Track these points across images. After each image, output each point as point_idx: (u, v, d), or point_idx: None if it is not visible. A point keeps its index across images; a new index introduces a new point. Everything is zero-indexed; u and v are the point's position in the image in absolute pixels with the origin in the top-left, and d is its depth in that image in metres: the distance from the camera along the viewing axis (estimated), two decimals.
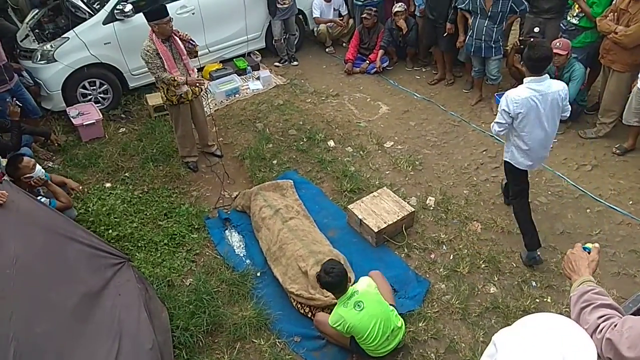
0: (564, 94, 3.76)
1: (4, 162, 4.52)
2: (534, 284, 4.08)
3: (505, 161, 4.09)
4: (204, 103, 5.40)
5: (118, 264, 3.86)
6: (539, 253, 4.20)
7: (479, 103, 6.27)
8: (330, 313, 3.78)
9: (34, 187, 4.32)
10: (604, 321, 1.66)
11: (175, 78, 4.75)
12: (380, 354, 3.44)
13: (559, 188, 4.96)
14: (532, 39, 5.69)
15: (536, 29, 5.63)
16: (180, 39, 4.85)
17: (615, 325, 1.62)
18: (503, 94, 4.72)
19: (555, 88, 3.73)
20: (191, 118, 5.23)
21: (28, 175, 4.26)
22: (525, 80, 3.74)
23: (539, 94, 3.66)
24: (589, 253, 2.04)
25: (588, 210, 4.71)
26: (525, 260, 4.23)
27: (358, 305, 3.29)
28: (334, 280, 3.30)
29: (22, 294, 3.04)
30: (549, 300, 3.96)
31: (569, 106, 3.93)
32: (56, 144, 5.58)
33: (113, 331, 3.31)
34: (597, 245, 2.08)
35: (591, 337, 1.66)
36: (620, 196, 4.82)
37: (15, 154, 4.61)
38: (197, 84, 4.94)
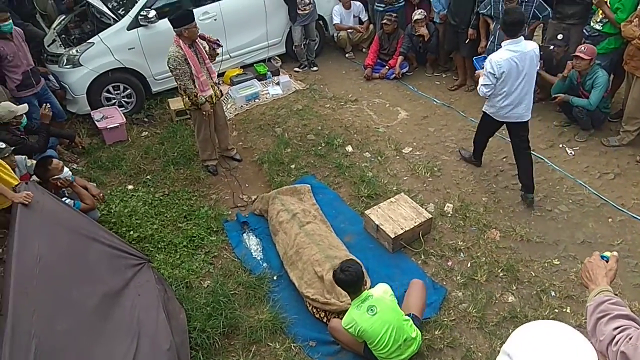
0: (537, 52, 4.36)
1: (30, 162, 4.66)
2: (553, 293, 4.02)
3: (485, 112, 4.73)
4: (224, 107, 5.47)
5: (138, 264, 3.94)
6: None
7: None
8: None
9: (60, 187, 4.43)
10: (619, 332, 1.63)
11: (197, 95, 4.85)
12: None
13: (580, 197, 4.88)
14: (551, 47, 5.66)
15: (560, 36, 5.56)
16: (207, 40, 4.95)
17: (630, 338, 1.58)
18: (481, 58, 5.33)
19: (530, 47, 4.29)
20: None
21: (56, 176, 4.38)
22: (503, 44, 4.31)
23: (517, 54, 4.23)
24: (607, 262, 2.01)
25: (610, 220, 4.62)
26: (467, 157, 5.33)
27: (371, 309, 3.28)
28: (347, 279, 3.29)
29: (45, 292, 3.12)
30: (568, 310, 3.90)
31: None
32: (80, 147, 5.72)
33: (132, 331, 3.38)
34: (615, 253, 2.04)
35: (606, 349, 1.64)
36: None
37: (45, 155, 4.73)
38: (207, 112, 5.03)
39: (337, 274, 3.33)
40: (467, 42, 6.23)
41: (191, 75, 4.81)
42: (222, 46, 5.14)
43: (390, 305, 3.36)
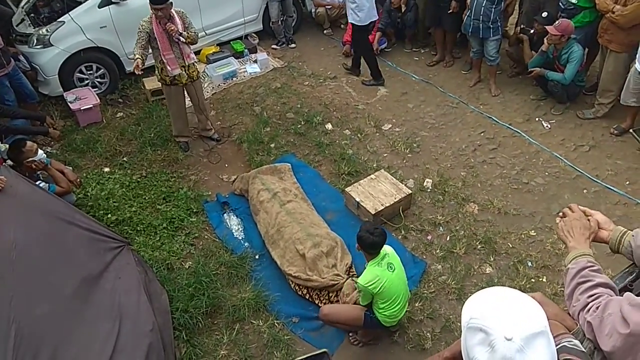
0: None
1: (4, 147, 4.54)
2: (529, 264, 4.12)
3: (352, 24, 6.01)
4: (203, 87, 5.39)
5: (117, 247, 3.90)
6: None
7: (477, 84, 6.24)
8: (324, 297, 3.84)
9: (35, 170, 4.35)
10: (592, 300, 1.63)
11: (138, 64, 4.62)
12: (395, 321, 3.47)
13: (556, 169, 4.97)
14: (532, 31, 5.69)
15: (544, 14, 5.54)
16: (172, 29, 4.66)
17: (597, 308, 1.58)
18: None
19: None
20: (185, 101, 5.27)
21: (31, 159, 4.29)
22: None
23: None
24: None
25: (585, 191, 4.73)
26: (349, 68, 6.57)
27: (390, 267, 3.31)
28: (380, 239, 3.26)
29: (22, 277, 3.09)
30: (544, 279, 4.00)
31: None
32: (52, 128, 5.50)
33: (113, 313, 3.37)
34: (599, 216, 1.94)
35: (578, 314, 1.66)
36: (617, 176, 4.83)
37: (18, 138, 4.63)
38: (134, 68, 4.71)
39: (369, 238, 3.23)
40: (450, 12, 6.09)
41: (142, 47, 4.72)
42: (184, 40, 4.82)
43: (400, 263, 3.43)
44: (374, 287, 3.25)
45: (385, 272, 3.28)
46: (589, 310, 1.63)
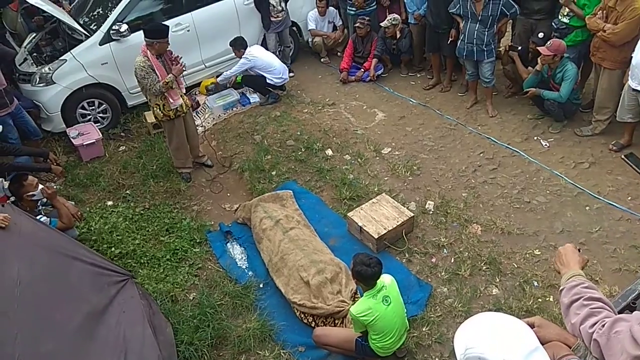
0: None
1: (6, 184, 4.58)
2: (535, 283, 4.09)
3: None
4: (195, 116, 5.64)
5: (121, 281, 3.89)
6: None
7: (474, 106, 6.30)
8: (330, 324, 3.81)
9: (34, 205, 4.37)
10: (592, 316, 1.64)
11: (167, 80, 4.84)
12: (389, 352, 3.43)
13: (557, 187, 4.97)
14: (518, 47, 5.78)
15: (540, 35, 5.62)
16: (169, 59, 4.97)
17: (603, 326, 1.59)
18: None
19: None
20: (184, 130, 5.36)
21: (30, 193, 4.32)
22: None
23: None
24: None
25: (587, 208, 4.72)
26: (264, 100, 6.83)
27: (386, 300, 3.28)
28: (379, 269, 3.24)
29: (27, 314, 3.07)
30: (551, 299, 3.96)
31: None
32: (55, 163, 5.53)
33: (118, 348, 3.34)
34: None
35: (579, 328, 1.66)
36: (618, 192, 4.83)
37: (20, 173, 4.67)
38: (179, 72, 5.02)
39: (368, 270, 3.21)
40: (449, 42, 6.14)
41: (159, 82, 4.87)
42: (181, 64, 5.10)
43: (398, 296, 3.40)
44: (365, 318, 3.24)
45: (379, 306, 3.26)
46: (593, 325, 1.64)
